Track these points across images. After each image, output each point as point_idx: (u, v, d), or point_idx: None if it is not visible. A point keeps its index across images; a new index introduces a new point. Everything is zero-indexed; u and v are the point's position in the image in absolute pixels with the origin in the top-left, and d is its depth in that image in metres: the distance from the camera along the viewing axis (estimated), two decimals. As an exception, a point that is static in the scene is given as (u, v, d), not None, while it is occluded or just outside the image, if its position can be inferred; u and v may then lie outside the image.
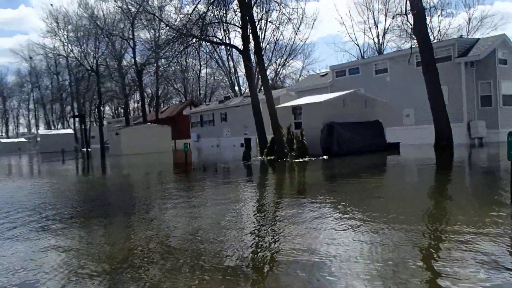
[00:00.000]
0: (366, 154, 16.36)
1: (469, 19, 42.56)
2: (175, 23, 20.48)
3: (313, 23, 66.02)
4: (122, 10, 35.03)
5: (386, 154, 16.51)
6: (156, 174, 14.33)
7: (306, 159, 15.26)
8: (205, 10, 17.83)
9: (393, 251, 3.73)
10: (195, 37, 18.90)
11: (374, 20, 49.56)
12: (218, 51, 54.79)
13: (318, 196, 7.16)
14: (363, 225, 4.78)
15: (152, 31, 41.09)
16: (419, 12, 17.65)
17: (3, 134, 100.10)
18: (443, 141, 17.64)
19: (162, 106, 56.36)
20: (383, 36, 48.94)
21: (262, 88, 21.26)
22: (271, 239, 4.47)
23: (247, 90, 57.74)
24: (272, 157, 16.34)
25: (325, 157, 15.44)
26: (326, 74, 29.77)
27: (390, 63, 23.87)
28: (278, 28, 38.32)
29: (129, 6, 35.63)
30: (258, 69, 17.30)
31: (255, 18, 16.97)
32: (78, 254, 4.30)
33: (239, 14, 18.63)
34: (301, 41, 51.46)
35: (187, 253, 3.99)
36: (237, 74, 55.67)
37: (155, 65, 40.58)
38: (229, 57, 55.48)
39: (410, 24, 18.54)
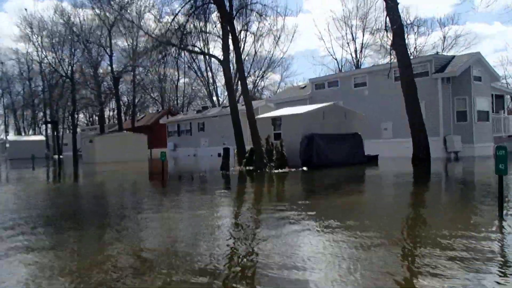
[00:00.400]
0: (345, 166, 16.30)
1: (444, 37, 43.87)
2: (155, 32, 20.16)
3: (292, 37, 66.74)
4: (100, 18, 34.36)
5: (365, 167, 16.51)
6: (130, 183, 13.85)
7: (286, 170, 15.08)
8: (184, 20, 17.58)
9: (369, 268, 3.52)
10: (174, 46, 18.59)
11: (352, 36, 50.30)
12: (197, 61, 54.61)
13: (296, 209, 6.92)
14: (341, 242, 4.57)
15: (130, 39, 40.57)
16: (398, 28, 17.89)
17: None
18: (421, 155, 17.79)
19: (138, 115, 55.45)
20: (361, 51, 49.82)
21: (241, 98, 21.05)
22: (244, 253, 4.20)
23: (225, 101, 57.73)
24: (251, 168, 16.09)
25: (304, 168, 15.29)
26: (305, 86, 29.87)
27: (368, 77, 24.11)
28: (257, 40, 38.38)
29: (107, 14, 35.07)
30: (238, 79, 17.05)
31: (236, 28, 16.75)
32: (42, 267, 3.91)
33: (219, 25, 18.46)
34: (281, 53, 51.73)
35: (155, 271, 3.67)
36: (216, 85, 55.54)
37: (132, 73, 39.93)
38: (208, 67, 55.35)
39: (390, 40, 18.79)
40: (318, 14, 69.47)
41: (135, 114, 47.67)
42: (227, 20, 15.56)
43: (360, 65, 48.10)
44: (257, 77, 51.89)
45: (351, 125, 18.66)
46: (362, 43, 49.52)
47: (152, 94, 62.14)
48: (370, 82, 23.95)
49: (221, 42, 17.90)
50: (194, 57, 51.11)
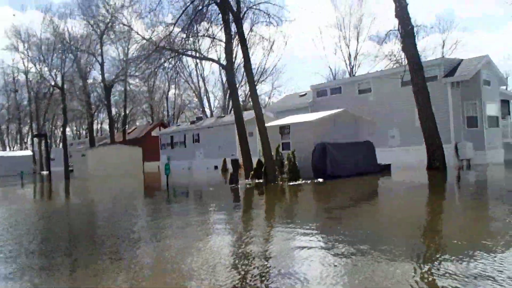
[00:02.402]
0: (360, 176, 15.34)
1: (443, 42, 43.84)
2: (151, 38, 19.07)
3: (285, 44, 66.29)
4: (91, 25, 33.20)
5: (379, 177, 15.56)
6: (135, 202, 12.62)
7: (300, 182, 14.03)
8: (186, 23, 16.57)
9: None
10: (174, 51, 17.54)
11: (346, 43, 49.84)
12: (188, 69, 53.50)
13: (327, 229, 5.86)
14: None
15: (121, 47, 39.41)
16: (409, 31, 17.15)
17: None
18: (436, 163, 16.92)
19: (127, 127, 54.09)
20: (355, 58, 49.37)
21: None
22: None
23: (218, 111, 56.69)
24: (261, 180, 14.99)
25: (319, 180, 14.24)
26: (306, 94, 28.97)
27: (373, 83, 23.30)
28: (250, 48, 37.45)
29: (99, 23, 33.92)
30: (248, 83, 16.03)
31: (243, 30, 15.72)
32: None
33: (223, 29, 17.46)
34: (274, 62, 50.89)
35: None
36: (208, 94, 54.43)
37: (123, 83, 38.67)
38: (199, 77, 54.31)
39: (395, 44, 18.10)
40: (307, 21, 68.90)
41: (126, 126, 46.20)
42: (234, 20, 14.57)
43: (355, 73, 47.59)
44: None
45: (362, 133, 17.76)
46: (356, 50, 49.12)
47: (141, 106, 60.82)
48: (375, 87, 23.13)
49: (224, 46, 16.83)
50: (184, 66, 50.13)
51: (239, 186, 14.20)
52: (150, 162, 39.13)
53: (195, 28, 17.33)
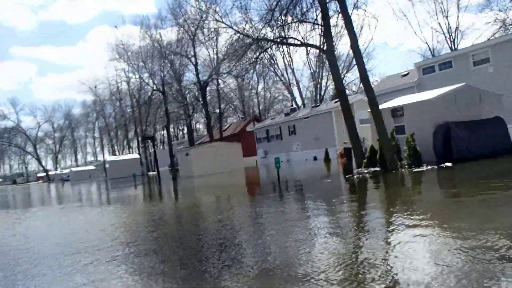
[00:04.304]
0: (493, 158, 13.38)
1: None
2: (244, 30, 18.75)
3: (374, 28, 62.74)
4: (183, 28, 34.25)
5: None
6: (250, 197, 12.27)
7: (424, 168, 12.59)
8: (282, 11, 15.90)
9: None
10: (271, 41, 16.99)
11: (443, 15, 45.52)
12: (274, 65, 53.17)
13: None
14: None
15: (211, 48, 40.30)
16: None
17: (73, 163, 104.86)
18: None
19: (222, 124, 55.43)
20: (455, 31, 44.91)
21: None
22: None
23: (309, 102, 55.63)
24: (377, 169, 13.78)
25: (448, 164, 12.63)
26: (408, 73, 26.79)
27: (492, 52, 20.57)
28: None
29: (190, 25, 34.87)
30: (356, 65, 14.87)
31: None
32: None
33: (317, 14, 16.47)
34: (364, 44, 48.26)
35: None
36: (299, 85, 53.56)
37: (216, 82, 39.44)
38: (288, 69, 53.64)
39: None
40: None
41: (222, 123, 47.31)
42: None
43: (457, 47, 43.26)
44: (343, 70, 48.76)
45: (487, 109, 15.60)
46: (456, 23, 44.72)
47: (232, 103, 62.05)
48: (495, 57, 20.39)
49: (322, 29, 15.82)
50: (274, 59, 49.88)
51: (355, 176, 13.17)
52: (247, 157, 39.50)
53: (291, 14, 16.63)
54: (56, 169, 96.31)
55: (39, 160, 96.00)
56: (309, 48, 37.83)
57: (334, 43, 19.55)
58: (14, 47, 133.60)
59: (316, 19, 15.65)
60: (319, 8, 16.10)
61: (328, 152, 28.03)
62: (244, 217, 8.21)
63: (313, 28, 15.91)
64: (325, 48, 16.72)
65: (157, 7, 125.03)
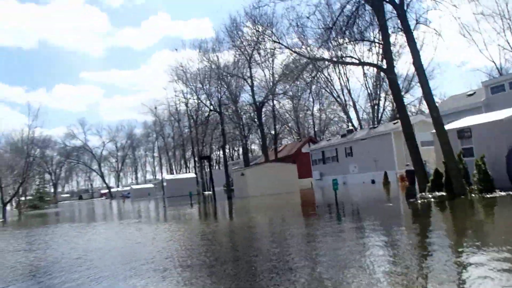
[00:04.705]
0: None
1: None
2: (299, 50, 18.68)
3: (436, 45, 60.53)
4: (240, 50, 35.01)
5: None
6: (320, 221, 11.89)
7: (497, 194, 11.60)
8: (341, 29, 15.68)
9: None
10: (328, 60, 16.79)
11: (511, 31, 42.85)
12: (330, 86, 52.62)
13: None
14: None
15: (266, 69, 40.73)
16: None
17: (133, 180, 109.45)
18: None
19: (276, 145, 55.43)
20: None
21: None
22: None
23: (366, 123, 54.20)
24: (443, 193, 12.90)
25: (526, 190, 11.54)
26: (475, 92, 25.34)
27: None
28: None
29: (246, 47, 35.56)
30: (419, 83, 14.24)
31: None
32: None
33: (376, 31, 16.08)
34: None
35: None
36: (356, 106, 52.46)
37: (272, 102, 39.64)
38: (344, 89, 52.83)
39: None
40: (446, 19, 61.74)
41: (277, 144, 47.28)
42: (399, 14, 13.06)
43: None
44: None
45: None
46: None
47: (287, 124, 62.02)
48: None
49: (382, 47, 15.39)
50: (330, 80, 49.45)
51: (419, 201, 12.40)
52: (301, 178, 38.93)
53: (348, 33, 16.35)
54: (117, 186, 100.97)
55: (103, 178, 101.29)
56: (366, 68, 37.07)
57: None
58: (83, 72, 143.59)
59: (375, 38, 15.22)
60: (377, 27, 15.76)
61: (388, 175, 26.91)
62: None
63: (371, 48, 15.60)
64: (384, 66, 16.24)
65: (215, 29, 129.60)
